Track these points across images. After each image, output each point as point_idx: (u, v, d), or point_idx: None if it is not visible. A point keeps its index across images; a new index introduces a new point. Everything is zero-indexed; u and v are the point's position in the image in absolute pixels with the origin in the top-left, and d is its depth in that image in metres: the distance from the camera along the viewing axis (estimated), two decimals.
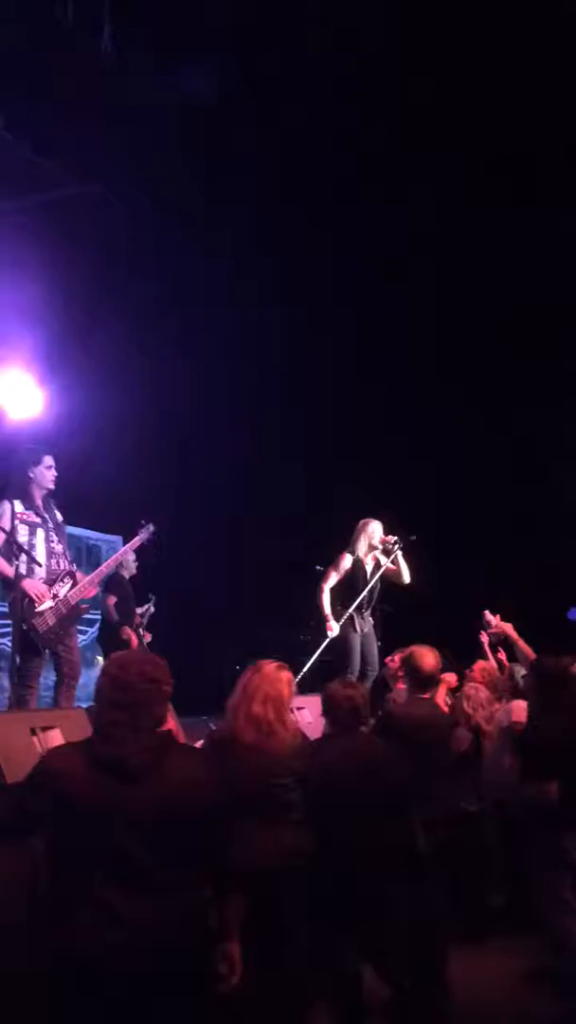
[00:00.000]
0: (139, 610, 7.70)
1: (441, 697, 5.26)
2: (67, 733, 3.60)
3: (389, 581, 6.61)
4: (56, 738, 3.63)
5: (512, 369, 10.35)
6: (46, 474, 5.32)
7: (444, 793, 4.41)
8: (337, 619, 6.37)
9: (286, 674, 3.51)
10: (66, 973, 2.27)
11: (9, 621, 5.43)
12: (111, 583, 7.06)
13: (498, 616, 6.01)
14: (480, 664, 5.91)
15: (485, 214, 8.92)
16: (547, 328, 9.96)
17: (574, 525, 10.22)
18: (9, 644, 5.35)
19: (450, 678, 5.45)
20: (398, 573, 6.55)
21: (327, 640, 6.53)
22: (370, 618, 6.58)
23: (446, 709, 5.12)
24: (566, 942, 4.02)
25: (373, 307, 10.16)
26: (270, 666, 3.50)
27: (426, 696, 4.48)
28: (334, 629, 6.36)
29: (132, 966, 2.22)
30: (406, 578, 6.57)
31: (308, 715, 5.75)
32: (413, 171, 8.54)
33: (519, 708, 5.26)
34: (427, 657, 4.45)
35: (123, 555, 6.32)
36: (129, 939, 2.22)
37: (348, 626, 6.36)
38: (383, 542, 6.51)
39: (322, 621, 6.48)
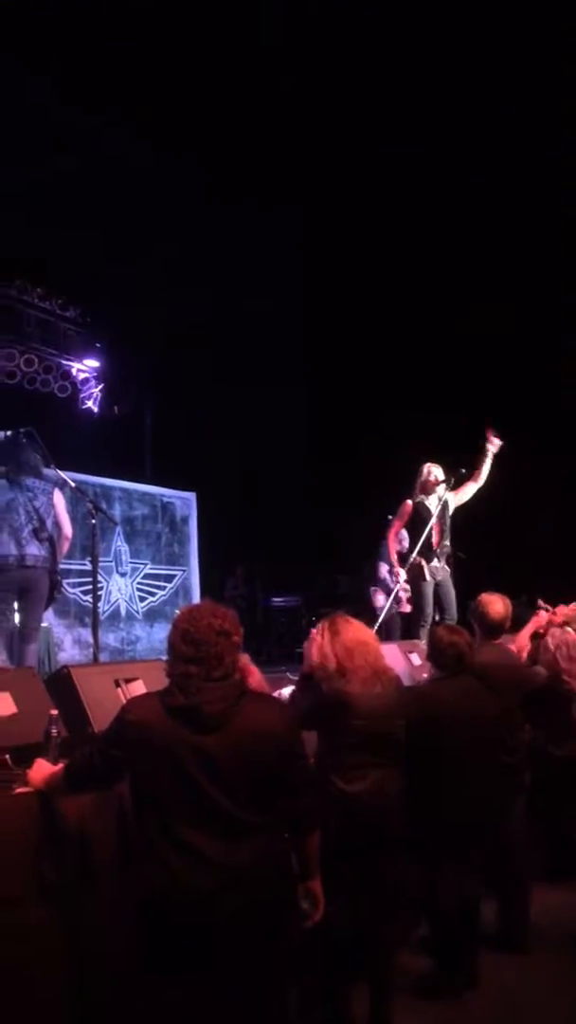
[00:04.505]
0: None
1: (524, 638, 5.27)
2: (149, 684, 3.70)
3: (465, 504, 6.57)
4: (139, 688, 3.72)
5: None
6: None
7: (523, 736, 4.45)
8: (411, 566, 6.38)
9: (359, 622, 3.61)
10: (158, 914, 2.37)
11: (89, 578, 5.65)
12: None
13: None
14: (562, 608, 5.85)
15: None
16: None
17: None
18: (89, 599, 5.59)
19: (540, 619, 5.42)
20: (476, 476, 6.50)
21: (396, 589, 6.59)
22: (446, 566, 6.55)
23: (523, 652, 5.13)
24: None
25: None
26: (345, 619, 3.56)
27: (497, 642, 4.50)
28: (401, 576, 6.40)
29: (220, 906, 2.31)
30: (480, 480, 6.51)
31: None
32: None
33: None
34: (495, 604, 4.47)
35: None
36: (215, 880, 2.30)
37: (419, 575, 6.35)
38: (436, 483, 6.47)
39: (391, 571, 6.56)
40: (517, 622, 5.47)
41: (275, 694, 4.40)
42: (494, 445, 6.40)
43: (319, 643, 3.49)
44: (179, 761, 2.34)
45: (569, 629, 5.37)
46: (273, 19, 7.33)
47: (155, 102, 8.12)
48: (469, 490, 6.55)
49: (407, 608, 7.12)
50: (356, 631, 3.48)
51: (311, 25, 7.53)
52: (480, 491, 6.58)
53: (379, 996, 3.39)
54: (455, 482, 6.49)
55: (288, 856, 2.57)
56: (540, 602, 6.14)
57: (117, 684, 3.74)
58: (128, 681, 3.80)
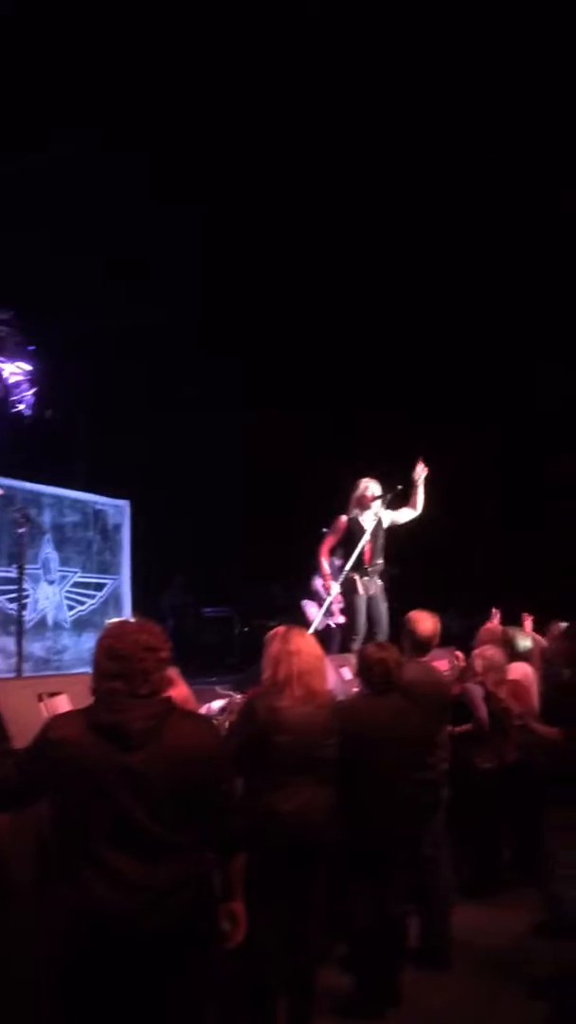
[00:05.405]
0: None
1: (443, 664, 5.34)
2: (74, 698, 3.62)
3: (399, 526, 6.59)
4: (63, 703, 3.66)
5: None
6: None
7: (445, 752, 4.49)
8: (343, 580, 6.40)
9: (312, 637, 3.63)
10: (74, 932, 2.31)
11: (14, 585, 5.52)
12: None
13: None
14: (487, 626, 5.96)
15: None
16: None
17: None
18: (14, 607, 5.46)
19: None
20: (412, 503, 6.53)
21: (328, 600, 6.62)
22: (378, 580, 6.57)
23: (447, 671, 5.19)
24: (561, 911, 4.13)
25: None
26: (300, 632, 3.56)
27: (423, 659, 4.51)
28: (332, 589, 6.44)
29: (139, 927, 2.26)
30: (417, 508, 6.52)
31: None
32: None
33: (517, 669, 5.37)
34: (424, 622, 4.48)
35: None
36: (135, 901, 2.26)
37: (351, 589, 6.37)
38: (372, 499, 6.48)
39: (323, 583, 6.60)
40: (447, 637, 5.55)
41: (203, 708, 4.36)
42: (420, 474, 6.44)
43: (269, 650, 3.48)
44: (102, 780, 2.29)
45: (496, 649, 5.45)
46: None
47: (93, 105, 8.06)
48: (405, 515, 6.56)
49: (339, 619, 7.13)
50: (305, 645, 3.48)
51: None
52: (418, 518, 6.61)
53: (299, 1013, 3.37)
54: (392, 499, 6.50)
55: (210, 877, 2.53)
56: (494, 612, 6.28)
57: (40, 698, 3.65)
58: (51, 695, 3.71)
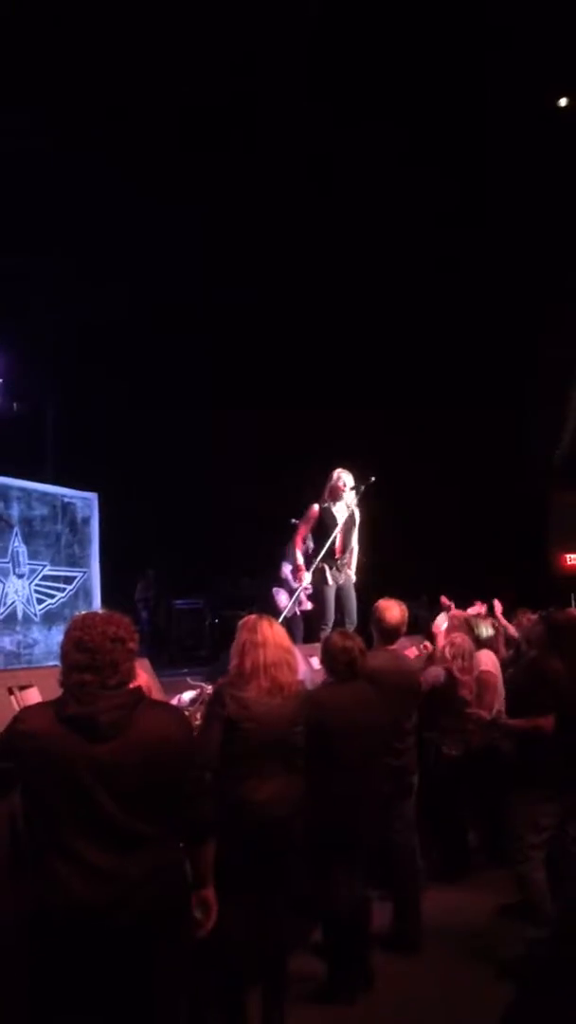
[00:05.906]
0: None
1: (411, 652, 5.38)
2: (44, 691, 3.62)
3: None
4: (34, 696, 3.65)
5: None
6: None
7: (412, 740, 4.53)
8: (314, 570, 6.43)
9: (281, 628, 3.63)
10: (46, 925, 2.31)
11: None
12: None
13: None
14: (452, 612, 6.00)
15: None
16: None
17: None
18: None
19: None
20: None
21: (299, 590, 6.64)
22: (348, 570, 6.60)
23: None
24: (529, 893, 4.19)
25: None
26: (269, 623, 3.56)
27: (391, 647, 4.55)
28: (304, 579, 6.44)
29: (111, 918, 2.27)
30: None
31: None
32: None
33: (487, 658, 5.43)
34: (392, 610, 4.51)
35: None
36: (107, 893, 2.27)
37: (321, 579, 6.40)
38: (345, 489, 6.50)
39: (295, 572, 6.60)
40: (416, 624, 5.60)
41: (174, 699, 4.37)
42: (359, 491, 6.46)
43: (237, 639, 3.49)
44: (72, 772, 2.29)
45: (465, 636, 5.50)
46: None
47: (64, 99, 7.98)
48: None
49: (308, 606, 7.16)
50: (272, 636, 3.48)
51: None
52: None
53: (272, 1000, 3.40)
54: (364, 490, 6.52)
55: (181, 866, 2.54)
56: (444, 600, 6.30)
57: (11, 692, 3.65)
58: (22, 688, 3.71)
